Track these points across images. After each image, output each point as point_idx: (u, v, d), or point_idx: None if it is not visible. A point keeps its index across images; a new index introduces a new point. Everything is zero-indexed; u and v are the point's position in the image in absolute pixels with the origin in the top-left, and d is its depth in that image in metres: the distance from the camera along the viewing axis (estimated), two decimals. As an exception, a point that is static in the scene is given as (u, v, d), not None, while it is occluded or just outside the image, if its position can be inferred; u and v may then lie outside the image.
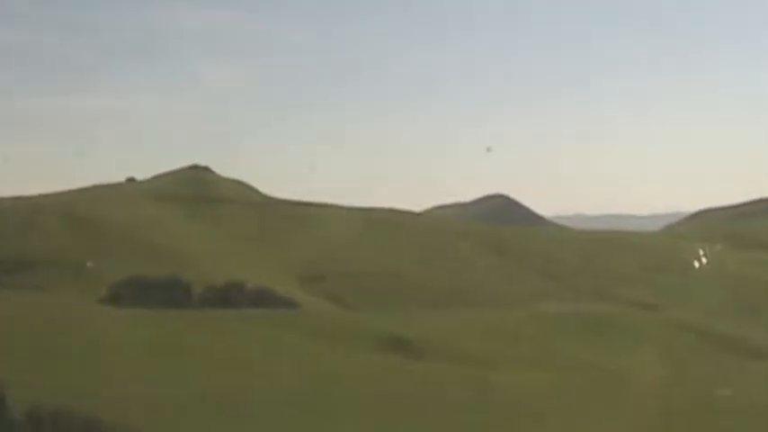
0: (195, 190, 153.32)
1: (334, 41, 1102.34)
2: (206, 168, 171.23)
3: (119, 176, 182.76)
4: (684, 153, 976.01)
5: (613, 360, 56.25)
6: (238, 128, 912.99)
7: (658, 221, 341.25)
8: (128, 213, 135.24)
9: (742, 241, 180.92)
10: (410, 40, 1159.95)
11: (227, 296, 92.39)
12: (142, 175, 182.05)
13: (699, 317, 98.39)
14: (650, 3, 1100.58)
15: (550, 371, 49.72)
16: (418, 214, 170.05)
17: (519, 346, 57.42)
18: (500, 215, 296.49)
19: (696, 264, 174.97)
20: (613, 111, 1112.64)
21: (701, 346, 66.19)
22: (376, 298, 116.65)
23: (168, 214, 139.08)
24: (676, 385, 41.12)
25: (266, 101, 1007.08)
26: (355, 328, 56.50)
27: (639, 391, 37.98)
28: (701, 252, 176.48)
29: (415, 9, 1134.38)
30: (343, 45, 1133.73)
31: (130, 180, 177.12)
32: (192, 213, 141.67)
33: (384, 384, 37.72)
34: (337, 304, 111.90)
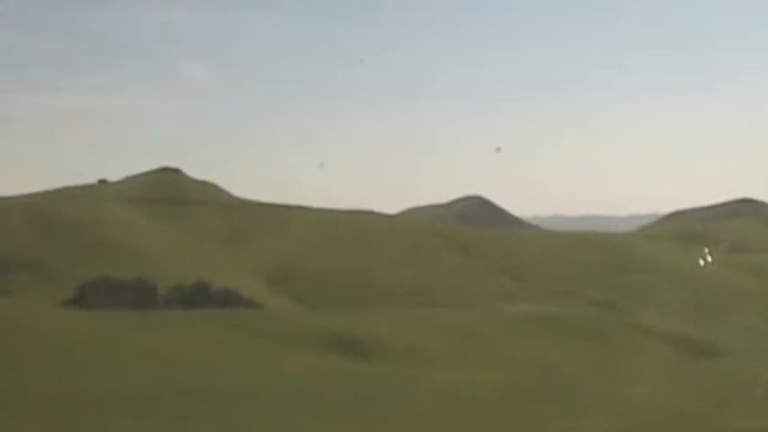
0: (165, 192, 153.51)
1: (315, 41, 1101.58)
2: (176, 170, 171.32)
3: (92, 177, 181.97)
4: (666, 154, 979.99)
5: (565, 359, 56.88)
6: (217, 128, 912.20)
7: (638, 222, 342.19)
8: (96, 215, 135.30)
9: (711, 242, 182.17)
10: (389, 41, 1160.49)
11: (193, 297, 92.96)
12: (117, 176, 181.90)
13: (659, 317, 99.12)
14: (623, 3, 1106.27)
15: (499, 370, 50.25)
16: (388, 215, 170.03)
17: (472, 345, 57.85)
18: (476, 216, 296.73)
19: (702, 262, 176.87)
20: (594, 112, 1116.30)
21: (652, 344, 66.76)
22: (342, 298, 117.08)
23: (137, 216, 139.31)
24: (597, 382, 41.55)
25: (247, 100, 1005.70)
26: (306, 329, 56.87)
27: (567, 388, 38.43)
28: (706, 251, 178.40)
29: (393, 11, 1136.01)
30: (323, 45, 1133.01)
31: (102, 182, 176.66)
32: (161, 215, 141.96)
33: (319, 382, 38.05)
34: (303, 305, 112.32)
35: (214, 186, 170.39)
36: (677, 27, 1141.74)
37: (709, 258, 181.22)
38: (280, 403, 31.11)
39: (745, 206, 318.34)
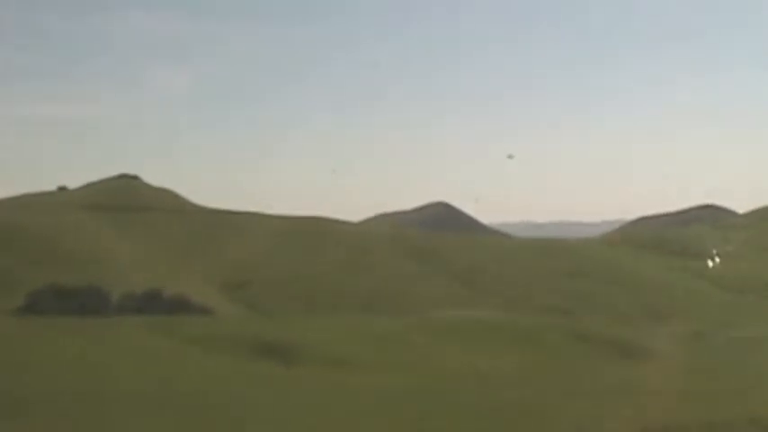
0: (123, 199, 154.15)
1: (280, 46, 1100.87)
2: (134, 177, 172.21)
3: (54, 185, 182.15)
4: (636, 161, 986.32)
5: (491, 365, 57.83)
6: (184, 135, 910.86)
7: (606, 229, 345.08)
8: (52, 222, 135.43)
9: (667, 248, 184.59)
10: (350, 45, 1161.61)
11: (145, 304, 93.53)
12: (78, 183, 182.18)
13: (604, 322, 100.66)
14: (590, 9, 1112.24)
15: (421, 375, 51.24)
16: (346, 222, 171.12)
17: (400, 351, 58.69)
18: (440, 223, 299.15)
19: (710, 263, 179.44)
20: (565, 119, 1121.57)
21: (582, 349, 67.94)
22: (296, 304, 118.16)
23: (93, 223, 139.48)
24: (506, 387, 42.83)
25: (212, 106, 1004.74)
26: (236, 334, 57.63)
27: (476, 392, 39.82)
28: (714, 252, 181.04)
29: (355, 13, 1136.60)
30: (287, 50, 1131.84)
31: (62, 189, 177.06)
32: (118, 222, 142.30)
33: (229, 387, 38.99)
34: (256, 311, 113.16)
35: (172, 193, 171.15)
36: (643, 33, 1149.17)
37: (717, 260, 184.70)
38: (171, 406, 31.96)
39: (708, 213, 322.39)
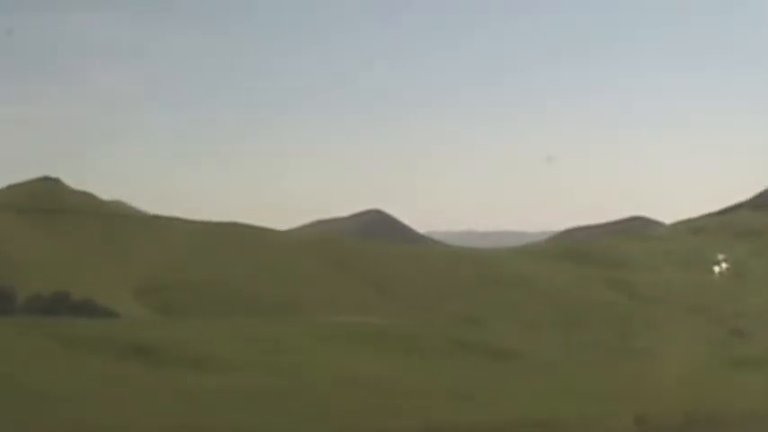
0: (41, 201, 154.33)
1: (223, 48, 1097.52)
2: (55, 180, 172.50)
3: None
4: (576, 172, 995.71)
5: (366, 370, 59.41)
6: (120, 137, 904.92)
7: (555, 238, 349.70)
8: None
9: (586, 258, 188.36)
10: (292, 47, 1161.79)
11: (51, 306, 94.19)
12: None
13: (503, 329, 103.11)
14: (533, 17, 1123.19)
15: (288, 377, 52.76)
16: (268, 228, 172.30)
17: (274, 353, 59.99)
18: (373, 231, 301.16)
19: (717, 269, 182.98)
20: (506, 128, 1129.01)
21: (460, 354, 69.94)
22: (208, 309, 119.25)
23: (9, 225, 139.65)
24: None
25: (157, 108, 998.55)
26: (115, 336, 58.81)
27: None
28: (721, 257, 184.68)
29: (301, 14, 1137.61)
30: (229, 51, 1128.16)
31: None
32: (35, 224, 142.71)
33: (81, 385, 40.34)
34: (167, 315, 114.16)
35: (92, 196, 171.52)
36: (557, 45, 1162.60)
37: (724, 266, 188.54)
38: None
39: (637, 224, 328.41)
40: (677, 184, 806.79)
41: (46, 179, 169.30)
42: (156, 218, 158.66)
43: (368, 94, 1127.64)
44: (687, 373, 61.45)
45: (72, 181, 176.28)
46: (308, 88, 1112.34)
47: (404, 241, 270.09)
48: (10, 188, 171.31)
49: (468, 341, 77.33)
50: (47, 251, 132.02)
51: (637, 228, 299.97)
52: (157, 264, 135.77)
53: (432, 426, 32.05)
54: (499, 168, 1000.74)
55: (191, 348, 56.98)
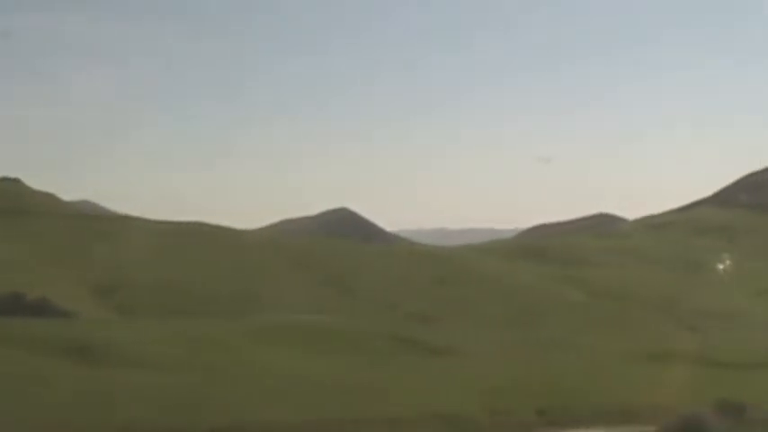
0: (2, 201, 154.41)
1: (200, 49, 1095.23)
2: (15, 180, 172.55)
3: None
4: (550, 169, 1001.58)
5: (301, 367, 60.95)
6: (95, 139, 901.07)
7: (521, 236, 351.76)
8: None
9: (545, 256, 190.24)
10: (265, 49, 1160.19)
11: (7, 306, 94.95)
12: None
13: (454, 328, 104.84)
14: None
15: (220, 374, 54.32)
16: (228, 228, 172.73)
17: (210, 352, 61.46)
18: (340, 229, 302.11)
19: (720, 266, 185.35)
20: (479, 127, 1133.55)
21: (399, 351, 71.66)
22: (166, 309, 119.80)
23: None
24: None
25: (128, 108, 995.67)
26: (55, 335, 60.23)
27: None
28: (724, 256, 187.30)
29: (282, 18, 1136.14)
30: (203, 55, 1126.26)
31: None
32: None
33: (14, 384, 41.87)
34: (125, 315, 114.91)
35: (53, 197, 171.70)
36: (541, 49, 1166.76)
37: (728, 263, 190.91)
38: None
39: (602, 221, 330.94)
40: (643, 182, 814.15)
41: (5, 179, 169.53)
42: (118, 218, 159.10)
43: (342, 94, 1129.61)
44: (610, 368, 63.70)
45: (35, 181, 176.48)
46: (282, 89, 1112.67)
47: (370, 239, 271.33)
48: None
49: (414, 339, 79.11)
50: (4, 252, 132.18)
51: (602, 225, 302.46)
52: (117, 264, 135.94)
53: (325, 420, 33.61)
54: (472, 167, 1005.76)
55: (130, 348, 58.48)
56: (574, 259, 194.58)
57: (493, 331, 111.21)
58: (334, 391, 45.06)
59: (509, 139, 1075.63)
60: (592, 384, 50.51)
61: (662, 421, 42.80)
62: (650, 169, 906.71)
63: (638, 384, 52.74)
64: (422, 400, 43.55)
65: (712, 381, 57.46)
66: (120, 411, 36.27)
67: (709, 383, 55.10)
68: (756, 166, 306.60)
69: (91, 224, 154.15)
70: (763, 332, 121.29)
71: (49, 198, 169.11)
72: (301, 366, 59.41)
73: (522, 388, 48.54)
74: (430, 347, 76.34)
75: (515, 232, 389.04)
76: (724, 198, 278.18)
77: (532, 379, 53.64)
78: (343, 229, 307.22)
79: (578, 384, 50.71)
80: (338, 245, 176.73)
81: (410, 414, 38.42)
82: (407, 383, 50.12)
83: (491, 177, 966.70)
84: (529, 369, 62.31)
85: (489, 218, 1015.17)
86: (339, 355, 66.20)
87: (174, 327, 72.74)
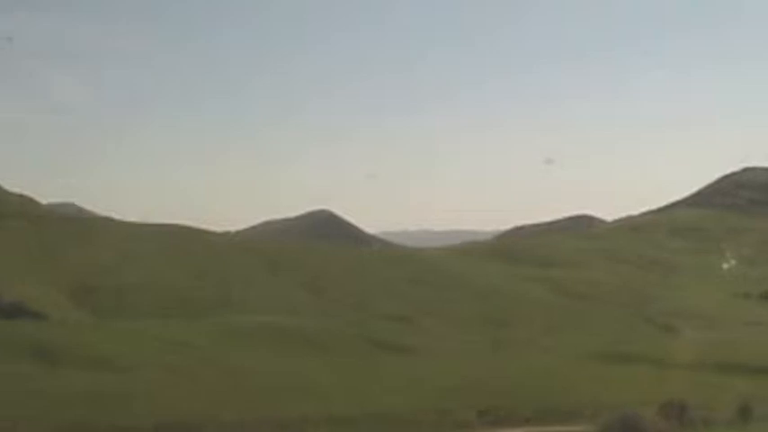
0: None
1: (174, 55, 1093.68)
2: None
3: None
4: (534, 170, 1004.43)
5: (263, 366, 62.52)
6: (73, 143, 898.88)
7: (500, 237, 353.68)
8: None
9: (518, 256, 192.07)
10: (251, 56, 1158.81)
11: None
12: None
13: (426, 328, 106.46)
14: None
15: (178, 374, 55.79)
16: (205, 230, 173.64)
17: (170, 353, 62.90)
18: (321, 231, 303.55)
19: (725, 266, 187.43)
20: (464, 130, 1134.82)
21: (364, 350, 73.48)
22: (141, 310, 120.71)
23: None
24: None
25: (108, 111, 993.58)
26: (21, 337, 61.72)
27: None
28: (728, 255, 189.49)
29: (263, 21, 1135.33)
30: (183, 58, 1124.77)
31: None
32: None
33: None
34: (101, 317, 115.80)
35: (29, 199, 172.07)
36: (527, 46, 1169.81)
37: (732, 262, 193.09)
38: None
39: (581, 221, 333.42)
40: (623, 184, 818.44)
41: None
42: (95, 220, 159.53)
43: (323, 94, 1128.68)
44: (568, 368, 65.33)
45: (14, 184, 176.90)
46: (263, 88, 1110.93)
47: (349, 241, 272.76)
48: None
49: (382, 340, 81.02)
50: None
51: (580, 226, 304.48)
52: (93, 266, 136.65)
53: (263, 418, 35.21)
54: (455, 170, 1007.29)
55: (92, 350, 60.01)
56: (547, 260, 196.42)
57: (464, 332, 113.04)
58: (284, 390, 46.63)
59: (497, 142, 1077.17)
60: (544, 384, 52.10)
61: (601, 420, 44.19)
62: (630, 171, 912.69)
63: (590, 384, 54.33)
64: (368, 399, 45.09)
65: (668, 381, 58.82)
66: (66, 411, 37.72)
67: (664, 384, 56.51)
68: (732, 168, 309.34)
69: (67, 226, 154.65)
70: (735, 333, 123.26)
71: (26, 201, 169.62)
72: (261, 366, 60.99)
73: (472, 388, 50.09)
74: (396, 348, 78.21)
75: (495, 233, 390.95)
76: (698, 199, 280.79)
77: (485, 379, 55.20)
78: (322, 230, 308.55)
79: (530, 384, 52.31)
80: (313, 247, 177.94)
81: (351, 413, 39.98)
82: (359, 383, 51.70)
83: (475, 180, 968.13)
84: (485, 369, 64.05)
85: (472, 220, 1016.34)
86: (302, 356, 67.86)
87: (143, 328, 74.09)
